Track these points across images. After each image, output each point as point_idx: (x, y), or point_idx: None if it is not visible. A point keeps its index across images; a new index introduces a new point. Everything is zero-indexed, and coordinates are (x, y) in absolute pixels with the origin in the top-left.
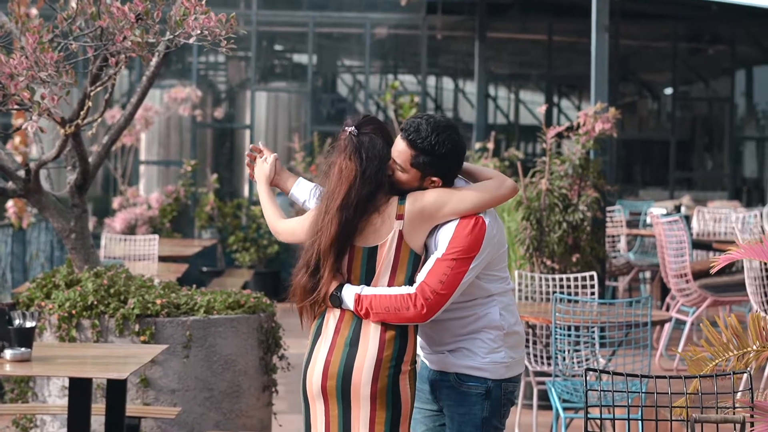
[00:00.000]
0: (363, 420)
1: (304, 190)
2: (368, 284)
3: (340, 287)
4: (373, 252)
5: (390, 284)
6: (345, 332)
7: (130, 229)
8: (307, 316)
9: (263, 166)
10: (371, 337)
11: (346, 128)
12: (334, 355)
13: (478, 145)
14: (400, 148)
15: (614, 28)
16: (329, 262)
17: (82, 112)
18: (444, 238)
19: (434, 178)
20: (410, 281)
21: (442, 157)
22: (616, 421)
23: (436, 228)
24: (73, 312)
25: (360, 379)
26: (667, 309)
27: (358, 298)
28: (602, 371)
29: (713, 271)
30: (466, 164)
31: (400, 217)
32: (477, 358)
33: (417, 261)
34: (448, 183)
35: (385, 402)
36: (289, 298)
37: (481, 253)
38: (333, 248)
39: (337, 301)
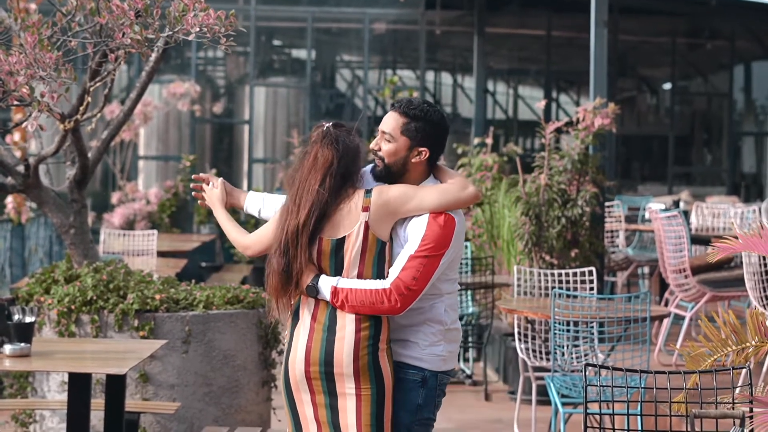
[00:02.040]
0: (350, 399)
1: (256, 200)
2: (338, 276)
3: (316, 277)
4: (340, 243)
5: (360, 273)
6: (322, 318)
7: (129, 225)
8: (281, 303)
9: (214, 192)
10: (347, 321)
11: (324, 124)
12: (314, 342)
13: (476, 141)
14: (389, 120)
15: (613, 23)
16: (303, 242)
17: (81, 108)
18: (414, 232)
19: (421, 149)
20: (378, 267)
21: (433, 124)
22: (615, 416)
23: (406, 220)
24: (73, 307)
25: (342, 360)
26: (666, 304)
27: (335, 291)
28: (601, 366)
29: (713, 260)
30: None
31: (366, 209)
32: (417, 349)
33: (383, 248)
34: (433, 159)
35: (369, 378)
36: (265, 287)
37: (449, 250)
38: (305, 228)
39: (313, 292)
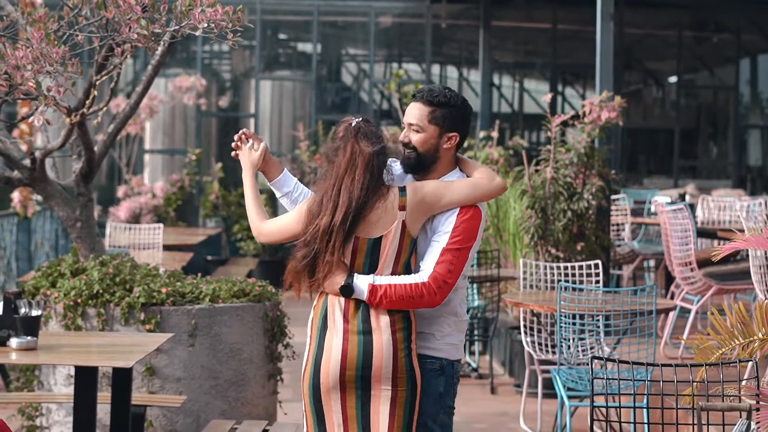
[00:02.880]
0: (384, 403)
1: (289, 180)
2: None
3: (350, 277)
4: (377, 243)
5: (394, 272)
6: (354, 321)
7: (135, 218)
8: (298, 288)
9: (252, 154)
10: (382, 322)
11: (352, 119)
12: (350, 344)
13: (482, 134)
14: (415, 111)
15: (619, 16)
16: (336, 240)
17: (87, 102)
18: (444, 225)
19: (451, 134)
20: (408, 265)
21: (458, 108)
22: (621, 409)
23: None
24: (79, 301)
25: (381, 364)
26: (672, 297)
27: (373, 288)
28: (608, 359)
29: (717, 259)
30: (458, 154)
31: (402, 207)
32: (434, 340)
33: (414, 245)
34: (461, 141)
35: (405, 381)
36: (286, 278)
37: (476, 243)
38: (342, 226)
39: (349, 291)
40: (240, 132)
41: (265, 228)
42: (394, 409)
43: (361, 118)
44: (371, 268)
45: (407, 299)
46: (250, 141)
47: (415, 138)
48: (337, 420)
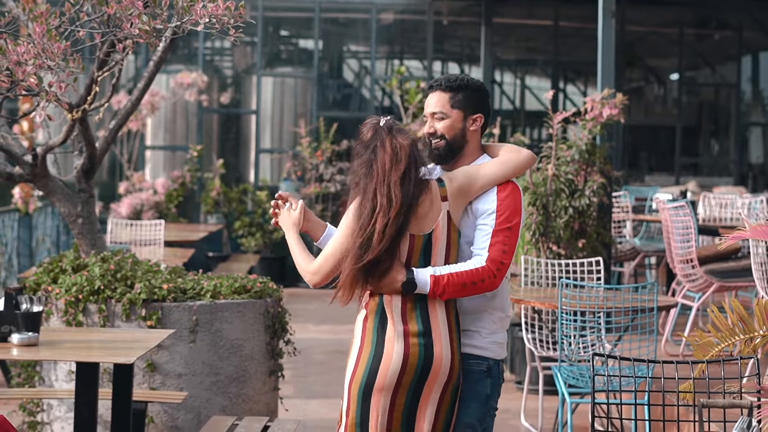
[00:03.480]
0: (431, 405)
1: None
2: None
3: (410, 272)
4: (429, 239)
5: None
6: (413, 322)
7: (136, 214)
8: (350, 294)
9: (292, 214)
10: (440, 323)
11: (381, 119)
12: (411, 348)
13: None
14: (435, 99)
15: (621, 13)
16: (392, 238)
17: (89, 98)
18: (487, 208)
19: (475, 116)
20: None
21: (476, 89)
22: (622, 406)
23: (473, 200)
24: (80, 297)
25: (439, 371)
26: (673, 294)
27: (436, 279)
28: (609, 356)
29: (721, 248)
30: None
31: (444, 198)
32: (479, 338)
33: (459, 239)
34: (486, 123)
35: (455, 384)
36: (340, 286)
37: (521, 220)
38: (395, 223)
39: (411, 286)
40: (276, 196)
41: (313, 266)
42: (439, 413)
43: (388, 117)
44: (425, 264)
45: (470, 285)
46: (288, 203)
47: (440, 125)
48: (381, 422)
